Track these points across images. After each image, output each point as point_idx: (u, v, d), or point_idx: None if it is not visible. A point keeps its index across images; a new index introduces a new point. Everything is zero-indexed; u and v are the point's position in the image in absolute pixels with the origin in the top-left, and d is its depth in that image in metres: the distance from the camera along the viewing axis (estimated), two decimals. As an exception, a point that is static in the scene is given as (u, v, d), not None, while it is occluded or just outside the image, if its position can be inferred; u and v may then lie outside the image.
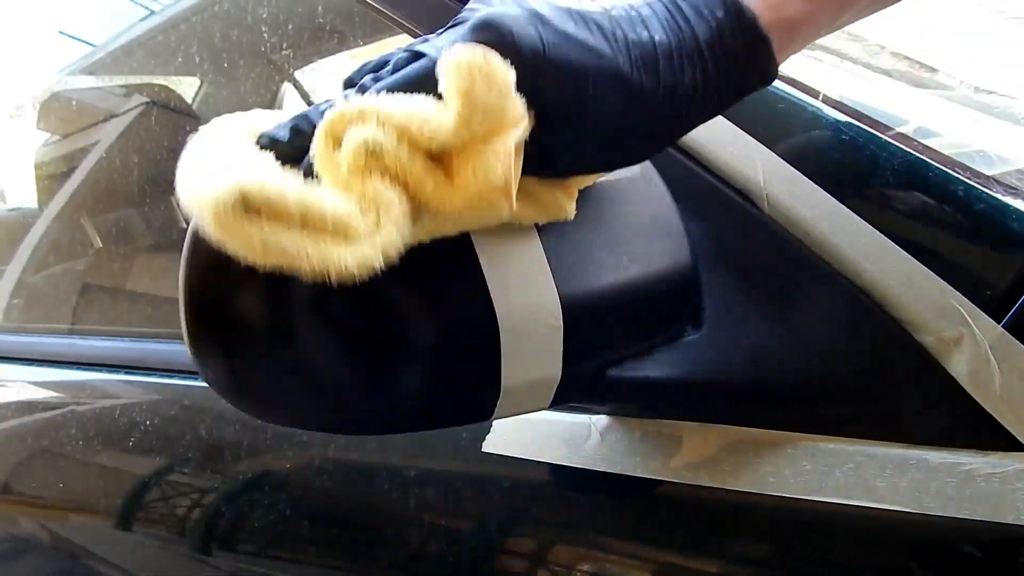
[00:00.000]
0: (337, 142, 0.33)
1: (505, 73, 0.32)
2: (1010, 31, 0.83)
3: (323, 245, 0.31)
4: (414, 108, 0.33)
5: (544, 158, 0.35)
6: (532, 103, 0.33)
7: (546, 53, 0.33)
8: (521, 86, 0.33)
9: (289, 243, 0.31)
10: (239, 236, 0.30)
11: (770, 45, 0.36)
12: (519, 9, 0.34)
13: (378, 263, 0.32)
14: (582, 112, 0.34)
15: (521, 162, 0.34)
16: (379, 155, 0.32)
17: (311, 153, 0.34)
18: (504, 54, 0.32)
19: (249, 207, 0.30)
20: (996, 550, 0.39)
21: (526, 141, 0.34)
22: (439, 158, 0.33)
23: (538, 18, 0.34)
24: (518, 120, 0.33)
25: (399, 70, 0.35)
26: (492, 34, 0.33)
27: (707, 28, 0.36)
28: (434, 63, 0.33)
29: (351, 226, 0.32)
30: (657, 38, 0.35)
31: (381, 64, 0.36)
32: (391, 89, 0.33)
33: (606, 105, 0.34)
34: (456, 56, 0.32)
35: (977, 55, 0.75)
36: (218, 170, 0.31)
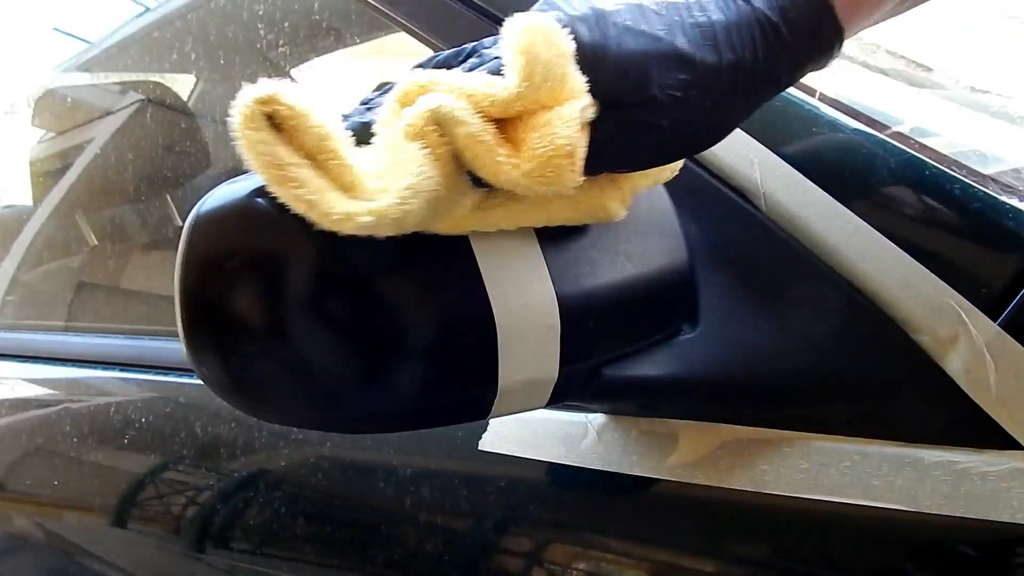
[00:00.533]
0: (408, 106, 0.34)
1: (565, 39, 0.33)
2: (1006, 30, 0.84)
3: (321, 183, 0.31)
4: (480, 79, 0.33)
5: (609, 151, 0.35)
6: (595, 94, 0.34)
7: (606, 44, 0.34)
8: (583, 76, 0.34)
9: (295, 169, 0.31)
10: (253, 142, 0.31)
11: (834, 11, 0.36)
12: (579, 7, 0.35)
13: (364, 224, 0.31)
14: (645, 96, 0.34)
15: (587, 141, 0.34)
16: (451, 123, 0.32)
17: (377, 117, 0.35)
18: None
19: (275, 118, 0.31)
20: (991, 548, 0.39)
21: (590, 133, 0.34)
22: (506, 131, 0.34)
23: (597, 14, 0.35)
24: (581, 92, 0.33)
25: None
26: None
27: (766, 1, 0.36)
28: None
29: (358, 181, 0.32)
30: (715, 17, 0.36)
31: (454, 56, 0.37)
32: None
33: (668, 85, 0.35)
34: (516, 20, 0.33)
35: (973, 54, 0.75)
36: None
